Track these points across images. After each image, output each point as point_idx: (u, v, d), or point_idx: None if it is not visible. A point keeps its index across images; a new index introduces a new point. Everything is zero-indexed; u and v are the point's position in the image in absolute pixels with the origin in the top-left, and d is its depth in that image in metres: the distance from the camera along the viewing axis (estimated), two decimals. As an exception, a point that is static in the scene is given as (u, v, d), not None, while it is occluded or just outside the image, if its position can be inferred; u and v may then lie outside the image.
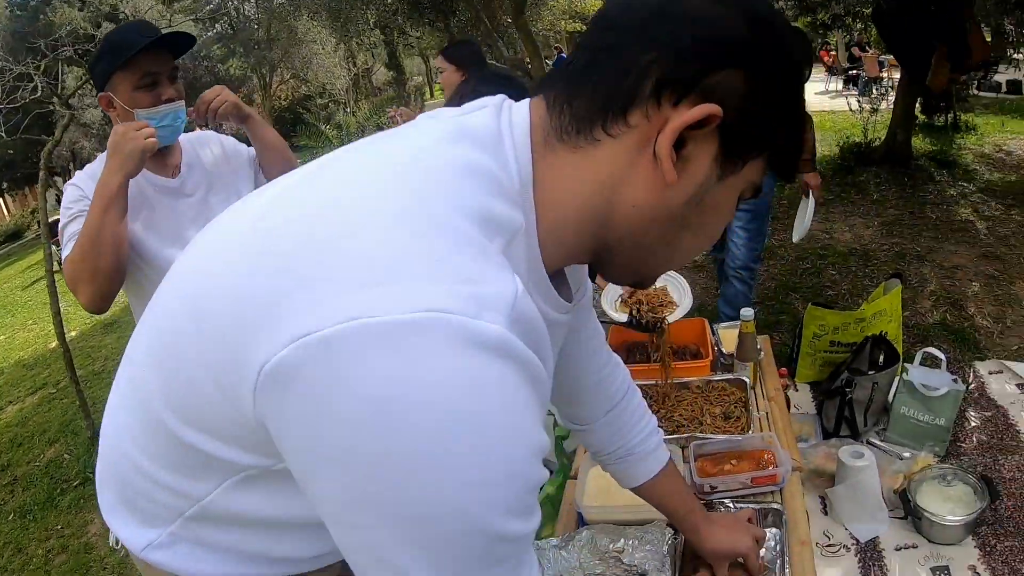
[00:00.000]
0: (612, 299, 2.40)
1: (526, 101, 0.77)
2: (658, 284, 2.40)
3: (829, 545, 2.58)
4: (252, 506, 0.80)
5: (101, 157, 1.99)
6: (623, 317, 2.32)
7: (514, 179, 0.70)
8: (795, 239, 3.59)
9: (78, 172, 2.08)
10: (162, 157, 2.06)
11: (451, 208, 0.65)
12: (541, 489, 2.58)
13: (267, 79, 20.16)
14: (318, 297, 0.58)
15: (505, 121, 0.73)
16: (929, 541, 2.51)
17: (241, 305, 0.63)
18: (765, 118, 0.72)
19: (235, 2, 19.64)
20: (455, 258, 0.61)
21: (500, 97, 0.77)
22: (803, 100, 0.78)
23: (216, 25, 20.27)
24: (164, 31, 2.07)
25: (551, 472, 2.21)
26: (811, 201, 3.36)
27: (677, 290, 2.41)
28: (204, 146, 2.19)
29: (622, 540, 1.54)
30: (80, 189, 1.99)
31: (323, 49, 19.31)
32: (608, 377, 1.28)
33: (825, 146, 8.11)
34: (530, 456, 0.63)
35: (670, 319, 2.29)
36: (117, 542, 0.97)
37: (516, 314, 0.62)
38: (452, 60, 3.00)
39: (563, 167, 0.72)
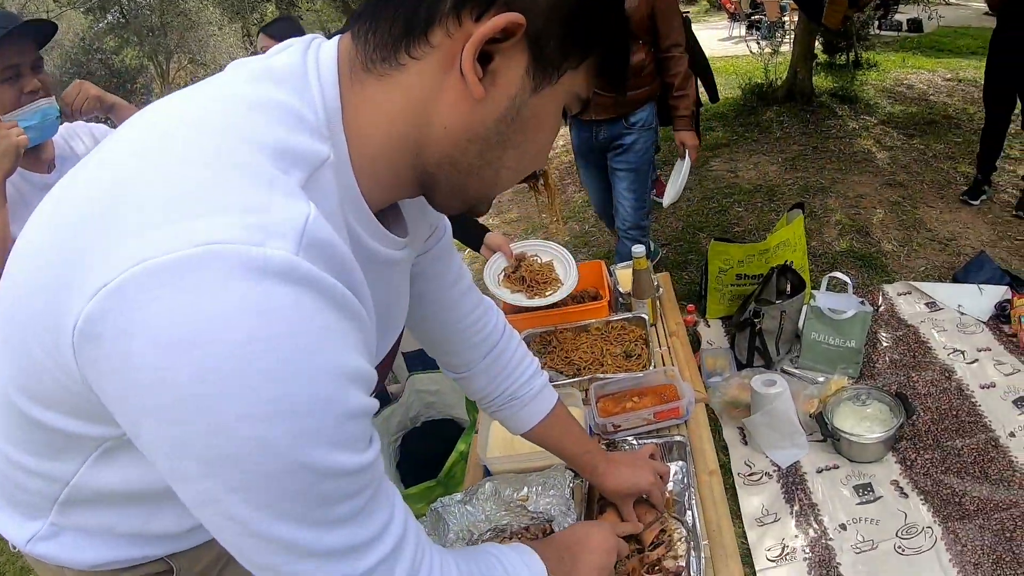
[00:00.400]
0: (494, 274, 2.35)
1: (336, 38, 0.74)
2: (544, 259, 2.40)
3: (751, 474, 2.58)
4: (117, 480, 0.78)
5: None
6: (505, 293, 2.27)
7: (319, 112, 0.68)
8: (665, 203, 3.52)
9: None
10: (35, 153, 1.97)
11: (238, 141, 0.63)
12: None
13: (164, 67, 19.43)
14: (112, 245, 0.57)
15: (312, 58, 0.71)
16: (850, 461, 2.54)
17: (53, 268, 0.62)
18: (575, 25, 0.70)
19: (124, -11, 18.81)
20: (238, 190, 0.60)
21: (310, 36, 0.75)
22: (621, 6, 0.76)
23: (107, 15, 19.44)
24: (27, 19, 2.04)
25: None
26: (686, 163, 3.30)
27: (563, 265, 2.38)
28: (75, 138, 2.12)
29: (525, 488, 1.50)
30: None
31: (219, 30, 18.74)
32: (481, 319, 1.24)
33: (728, 90, 8.13)
34: (340, 382, 0.61)
35: (554, 299, 2.24)
36: (14, 546, 0.95)
37: (309, 240, 0.60)
38: (275, 36, 2.97)
39: (371, 97, 0.70)
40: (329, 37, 0.75)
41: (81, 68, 17.50)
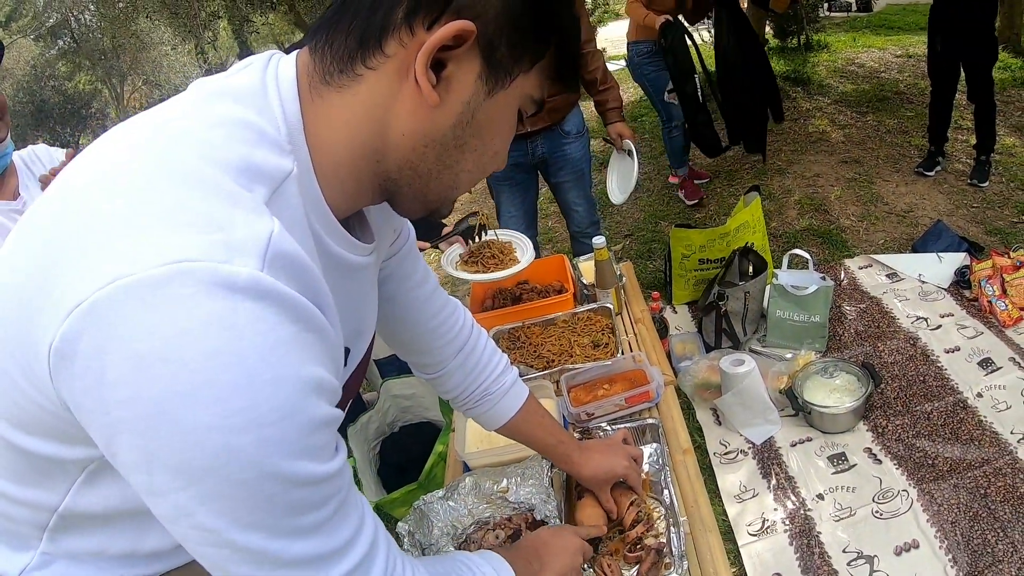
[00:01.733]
0: (451, 259, 2.33)
1: (294, 53, 0.76)
2: (503, 238, 2.37)
3: (727, 453, 2.62)
4: (106, 502, 0.78)
5: None
6: (464, 274, 2.25)
7: (280, 127, 0.70)
8: (617, 200, 3.39)
9: None
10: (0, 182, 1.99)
11: (200, 160, 0.64)
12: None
13: (119, 90, 19.17)
14: (82, 265, 0.59)
15: (271, 74, 0.73)
16: (823, 432, 2.59)
17: (25, 292, 0.63)
18: (527, 30, 0.72)
19: (75, 13, 18.50)
20: (202, 208, 0.61)
21: (269, 53, 0.76)
22: (571, 7, 0.78)
23: (58, 41, 19.14)
24: None
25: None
26: (636, 159, 3.19)
27: (520, 246, 2.35)
28: (33, 162, 2.12)
29: (505, 480, 1.52)
30: None
31: (172, 50, 18.52)
32: (449, 319, 1.26)
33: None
34: (303, 393, 0.63)
35: (510, 272, 2.19)
36: None
37: (273, 255, 0.62)
38: None
39: (330, 109, 0.72)
40: (287, 52, 0.77)
41: (34, 96, 17.20)
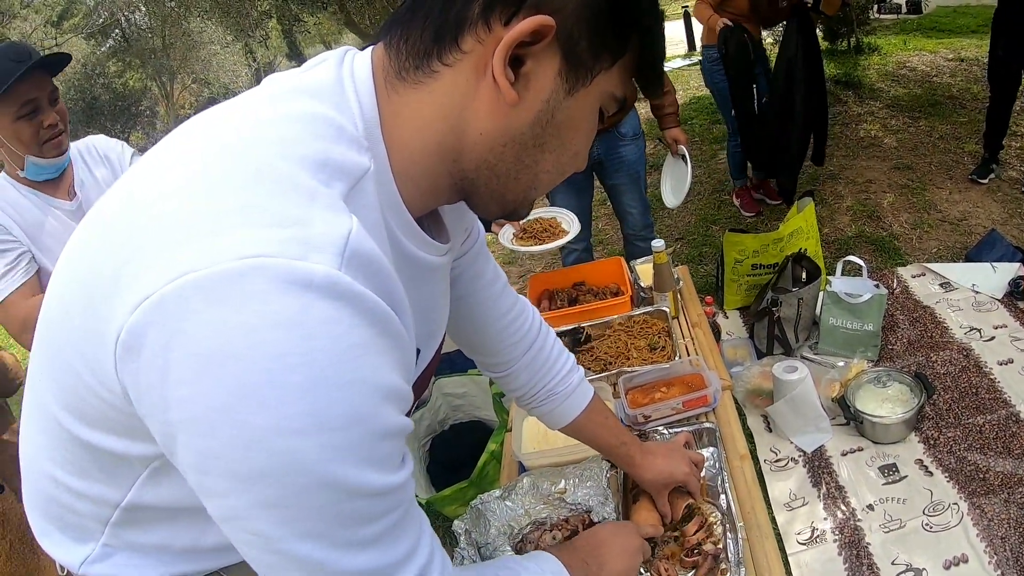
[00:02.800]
0: (507, 237, 2.55)
1: (369, 49, 0.75)
2: (546, 215, 2.64)
3: (778, 460, 2.61)
4: (170, 498, 0.78)
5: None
6: (524, 248, 2.51)
7: (357, 124, 0.69)
8: (671, 205, 3.40)
9: None
10: (56, 182, 2.05)
11: (278, 156, 0.63)
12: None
13: (168, 88, 19.52)
14: (152, 259, 0.58)
15: (347, 70, 0.71)
16: (874, 442, 2.56)
17: (95, 286, 0.63)
18: (608, 25, 0.69)
19: (125, 13, 18.88)
20: (278, 203, 0.60)
21: (343, 48, 0.75)
22: (653, 3, 0.75)
23: (109, 39, 19.53)
24: (47, 52, 2.10)
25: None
26: (688, 162, 3.22)
27: (566, 220, 2.58)
28: (90, 153, 2.18)
29: (563, 481, 1.53)
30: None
31: (222, 49, 18.80)
32: (518, 318, 1.25)
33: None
34: (374, 399, 0.61)
35: (563, 241, 2.53)
36: (63, 570, 0.95)
37: (351, 254, 0.60)
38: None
39: (407, 105, 0.71)
40: (362, 48, 0.76)
41: (85, 94, 17.60)
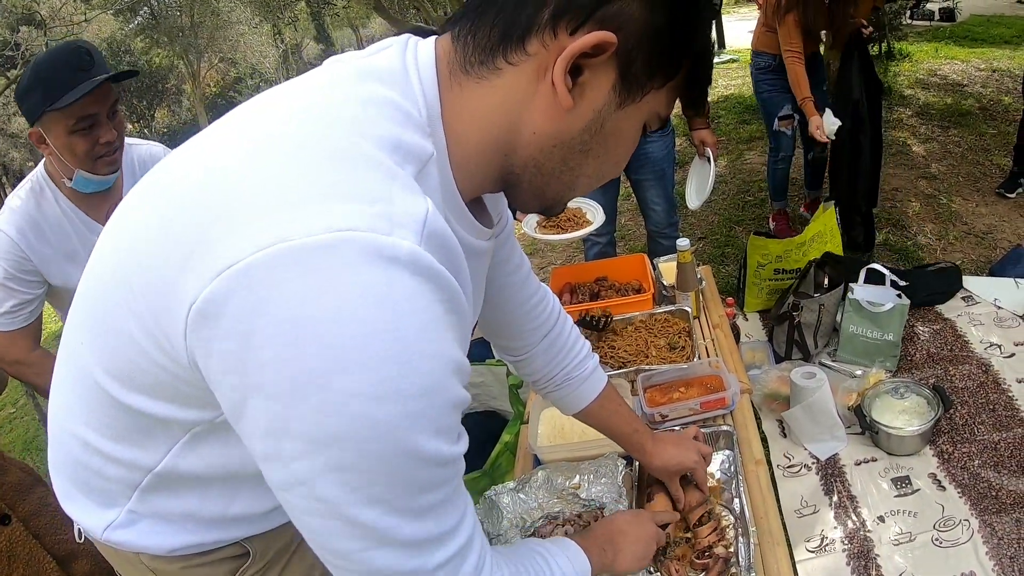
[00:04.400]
0: (531, 225, 2.60)
1: (432, 38, 0.77)
2: (571, 205, 2.68)
3: (791, 466, 2.61)
4: (203, 465, 0.81)
5: (32, 185, 1.89)
6: (548, 236, 2.54)
7: (422, 111, 0.71)
8: (693, 206, 3.38)
9: (8, 203, 1.92)
10: (102, 200, 1.93)
11: (357, 135, 0.66)
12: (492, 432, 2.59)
13: (195, 66, 19.61)
14: (236, 228, 0.60)
15: (411, 57, 0.74)
16: (888, 454, 2.55)
17: (166, 251, 0.64)
18: (664, 48, 0.72)
19: (154, -8, 18.98)
20: (364, 179, 0.63)
21: (405, 36, 0.78)
22: (708, 31, 0.79)
23: (137, 17, 19.63)
24: (78, 32, 2.03)
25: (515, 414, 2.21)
26: (712, 165, 3.19)
27: (591, 210, 2.62)
28: (142, 167, 2.04)
29: (577, 476, 1.54)
30: (11, 240, 1.84)
31: (249, 29, 18.88)
32: (539, 304, 1.28)
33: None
34: (447, 371, 0.64)
35: (586, 231, 2.53)
36: (80, 535, 0.96)
37: (428, 232, 0.64)
38: None
39: (469, 98, 0.73)
40: (425, 36, 0.78)
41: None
